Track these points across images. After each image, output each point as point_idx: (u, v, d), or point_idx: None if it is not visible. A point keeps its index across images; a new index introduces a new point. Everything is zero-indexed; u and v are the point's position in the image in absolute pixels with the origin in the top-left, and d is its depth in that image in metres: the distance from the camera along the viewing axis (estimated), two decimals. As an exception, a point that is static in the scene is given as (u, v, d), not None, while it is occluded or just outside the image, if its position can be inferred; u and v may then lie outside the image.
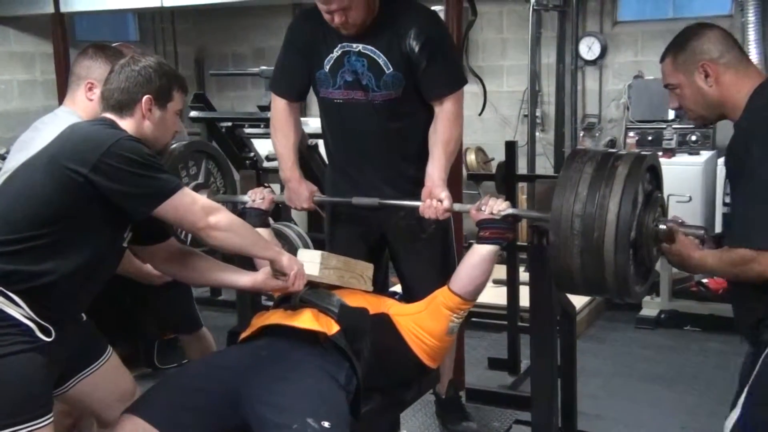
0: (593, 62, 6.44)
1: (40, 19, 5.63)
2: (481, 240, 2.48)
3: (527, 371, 3.89)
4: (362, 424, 2.33)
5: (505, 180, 4.04)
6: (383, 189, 2.89)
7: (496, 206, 2.46)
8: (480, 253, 2.48)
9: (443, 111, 2.79)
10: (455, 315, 2.49)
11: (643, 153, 2.28)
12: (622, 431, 3.60)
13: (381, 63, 2.76)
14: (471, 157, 6.48)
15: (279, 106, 2.97)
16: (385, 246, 3.08)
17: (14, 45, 6.29)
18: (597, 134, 6.49)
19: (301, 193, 2.94)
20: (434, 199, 2.67)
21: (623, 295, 2.25)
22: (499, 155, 4.48)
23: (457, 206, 2.66)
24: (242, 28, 7.75)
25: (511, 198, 4.04)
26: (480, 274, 2.48)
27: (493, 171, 4.28)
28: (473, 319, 4.40)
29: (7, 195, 2.08)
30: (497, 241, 2.47)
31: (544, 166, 6.48)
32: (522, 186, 5.75)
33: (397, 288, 3.15)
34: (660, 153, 5.49)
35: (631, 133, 5.97)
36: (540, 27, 6.45)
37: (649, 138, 5.83)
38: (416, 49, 2.72)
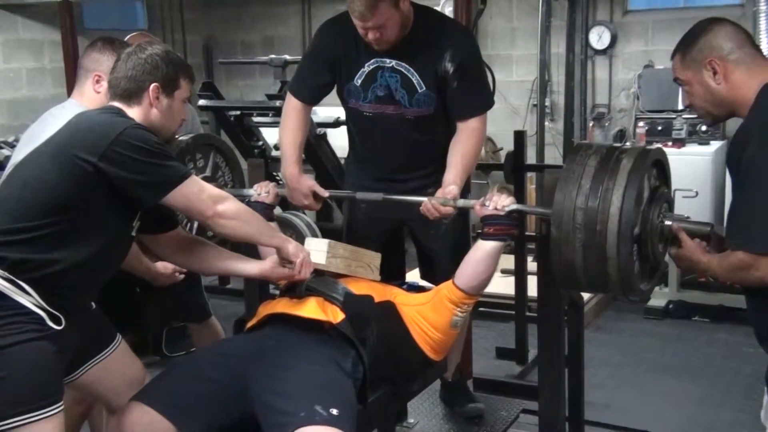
0: (603, 51, 6.41)
1: (48, 6, 5.64)
2: (485, 236, 2.46)
3: (535, 361, 3.89)
4: (369, 412, 2.33)
5: (514, 170, 4.03)
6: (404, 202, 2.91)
7: (501, 202, 2.44)
8: (484, 249, 2.46)
9: (467, 126, 2.81)
10: (459, 309, 2.49)
11: (648, 147, 2.25)
12: (630, 421, 3.59)
13: (414, 81, 2.78)
14: (479, 147, 6.45)
15: (292, 105, 2.98)
16: (403, 233, 3.11)
17: (22, 33, 6.30)
18: (606, 124, 6.47)
19: (301, 190, 2.94)
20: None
21: (627, 291, 2.20)
22: (508, 145, 4.47)
23: (461, 202, 2.64)
24: (251, 17, 7.75)
25: (520, 188, 4.04)
26: (484, 270, 2.47)
27: (502, 161, 4.27)
28: (481, 309, 4.40)
29: (15, 184, 2.09)
30: (501, 237, 2.45)
31: (554, 156, 6.46)
32: (531, 176, 5.74)
33: (408, 278, 3.15)
34: (670, 143, 5.47)
35: (641, 123, 5.94)
36: (550, 16, 6.42)
37: (659, 128, 5.81)
38: (450, 70, 2.75)
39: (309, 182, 2.96)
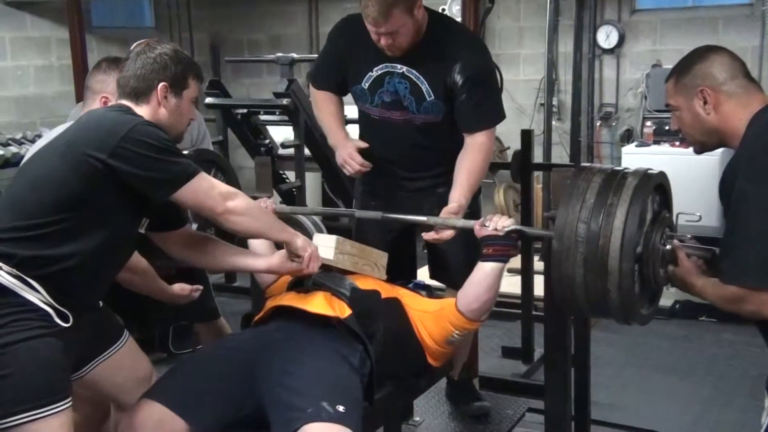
0: (611, 51, 6.39)
1: (56, 4, 5.65)
2: (484, 257, 2.44)
3: (541, 360, 3.89)
4: (376, 409, 2.34)
5: (521, 169, 4.03)
6: (414, 201, 2.95)
7: (501, 222, 2.41)
8: (484, 270, 2.43)
9: (474, 142, 2.80)
10: (457, 332, 2.48)
11: (651, 171, 2.20)
12: (636, 421, 3.59)
13: (423, 89, 2.78)
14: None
15: (319, 92, 3.03)
16: (414, 232, 3.12)
17: (30, 30, 6.31)
18: (614, 123, 6.46)
19: (346, 149, 2.90)
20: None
21: (627, 311, 2.14)
22: (515, 144, 4.47)
23: (460, 222, 2.60)
24: (258, 15, 7.74)
25: (527, 187, 4.04)
26: (484, 292, 2.43)
27: (509, 160, 4.27)
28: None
29: (24, 182, 2.09)
30: (500, 258, 2.42)
31: (560, 155, 6.46)
32: (537, 175, 5.74)
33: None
34: (677, 143, 5.46)
35: (649, 123, 5.93)
36: (557, 15, 6.41)
37: (666, 128, 5.78)
38: (459, 82, 2.74)
39: (357, 143, 2.94)
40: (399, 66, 2.78)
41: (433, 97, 2.78)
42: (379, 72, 2.82)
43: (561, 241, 2.13)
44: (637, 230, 2.08)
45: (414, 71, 2.77)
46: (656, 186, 2.20)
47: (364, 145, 2.93)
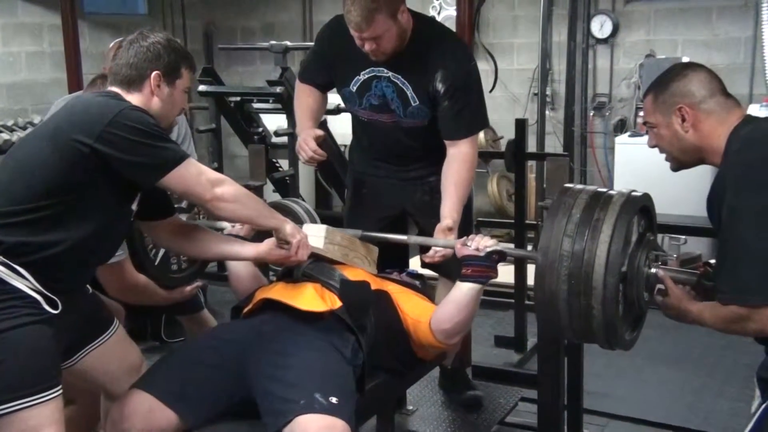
0: (605, 41, 6.38)
1: (49, -10, 5.61)
2: (463, 277, 2.41)
3: (534, 349, 3.90)
4: (368, 399, 2.34)
5: (515, 158, 4.02)
6: (406, 189, 2.97)
7: (483, 242, 2.38)
8: (461, 290, 2.41)
9: (459, 152, 2.78)
10: (430, 348, 2.49)
11: (636, 193, 2.18)
12: (628, 410, 3.60)
13: (408, 95, 2.78)
14: (480, 135, 6.43)
15: (302, 85, 3.03)
16: (406, 223, 3.13)
17: (22, 16, 6.27)
18: (607, 113, 6.46)
19: (305, 139, 2.88)
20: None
21: (609, 332, 2.09)
22: (508, 133, 4.46)
23: (442, 241, 2.59)
24: (251, 2, 7.71)
25: (521, 176, 4.03)
26: (458, 312, 2.40)
27: (503, 149, 4.26)
28: (481, 297, 4.39)
29: (11, 167, 2.07)
30: (478, 279, 2.39)
31: (554, 144, 6.46)
32: (531, 165, 5.73)
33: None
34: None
35: (642, 113, 5.92)
36: (551, 4, 6.40)
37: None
38: (441, 91, 2.74)
39: (318, 132, 2.92)
40: (385, 70, 2.78)
41: (418, 103, 2.78)
42: (367, 76, 2.81)
43: (546, 256, 2.09)
44: (623, 248, 2.05)
45: (399, 76, 2.77)
46: (641, 208, 2.18)
47: (321, 133, 2.92)
